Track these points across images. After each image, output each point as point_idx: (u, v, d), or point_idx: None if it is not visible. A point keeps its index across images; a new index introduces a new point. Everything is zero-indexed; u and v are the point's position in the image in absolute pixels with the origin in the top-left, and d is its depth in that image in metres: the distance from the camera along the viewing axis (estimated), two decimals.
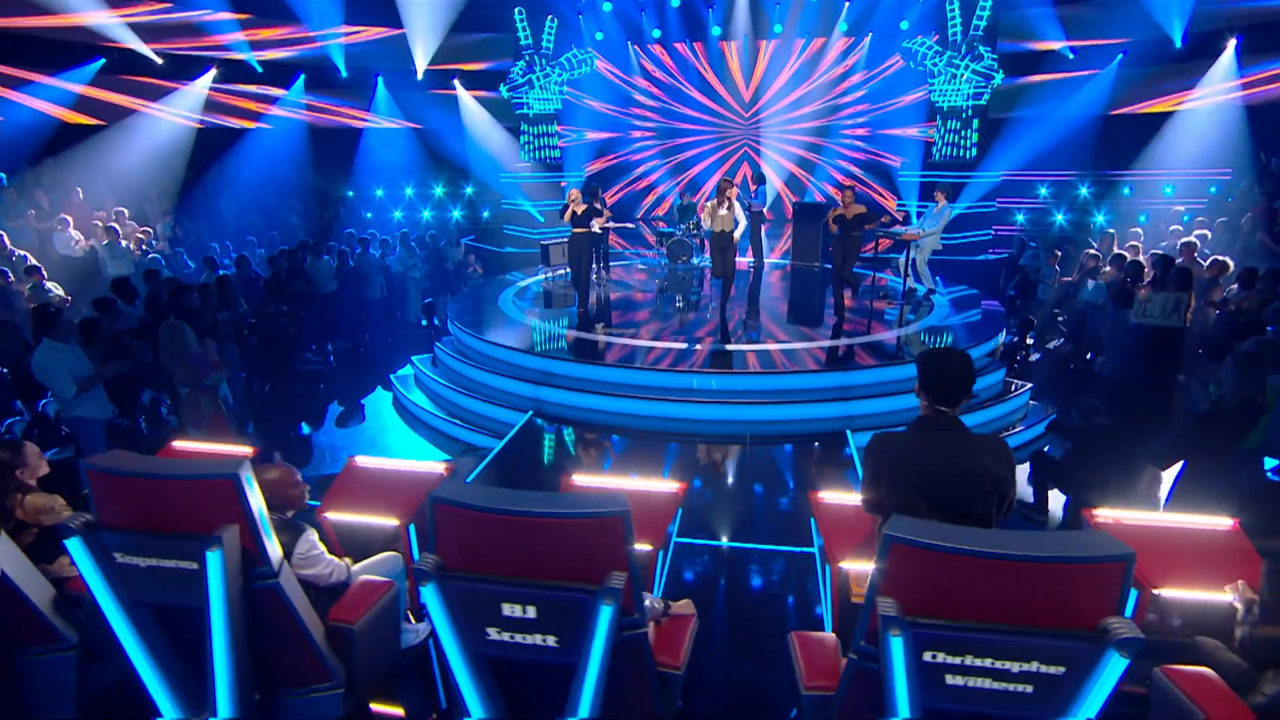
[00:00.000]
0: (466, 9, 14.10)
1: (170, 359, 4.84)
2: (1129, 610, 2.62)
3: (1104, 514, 2.87)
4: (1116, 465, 4.33)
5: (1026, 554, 1.50)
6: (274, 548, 2.13)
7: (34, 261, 8.07)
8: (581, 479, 3.06)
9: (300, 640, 2.19)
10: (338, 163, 14.73)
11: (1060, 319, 8.84)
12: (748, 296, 9.45)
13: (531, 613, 1.76)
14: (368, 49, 14.92)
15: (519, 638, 1.79)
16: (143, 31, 12.28)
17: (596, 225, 9.75)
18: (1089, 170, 13.41)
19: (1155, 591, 2.52)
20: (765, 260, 11.24)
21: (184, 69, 13.06)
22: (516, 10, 14.29)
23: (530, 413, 5.97)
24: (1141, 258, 7.98)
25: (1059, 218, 13.41)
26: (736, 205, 7.23)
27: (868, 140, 14.60)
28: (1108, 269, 8.01)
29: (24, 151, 11.06)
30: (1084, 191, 13.72)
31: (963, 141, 12.90)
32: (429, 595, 1.77)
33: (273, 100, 14.16)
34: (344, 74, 14.94)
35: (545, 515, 1.73)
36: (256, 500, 2.05)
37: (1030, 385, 6.42)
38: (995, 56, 12.44)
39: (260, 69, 13.92)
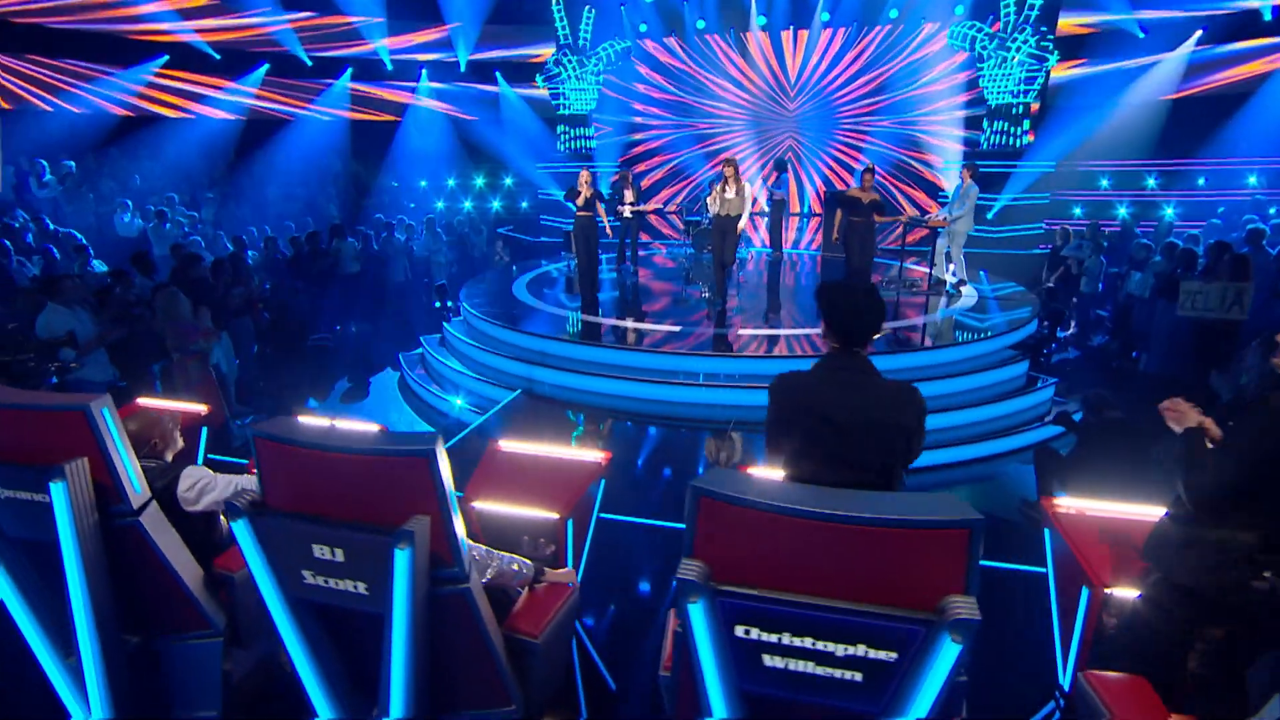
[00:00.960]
0: (506, 2, 14.27)
1: (162, 323, 5.02)
2: (1081, 613, 2.34)
3: (1065, 502, 2.55)
4: (1126, 462, 3.90)
5: (849, 514, 1.26)
6: (135, 485, 2.04)
7: (84, 241, 8.58)
8: (507, 445, 2.94)
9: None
10: (379, 153, 15.15)
11: (1105, 313, 8.19)
12: (768, 287, 9.17)
13: (340, 556, 1.64)
14: (412, 42, 15.29)
15: (331, 583, 1.68)
16: (202, 29, 12.96)
17: (627, 210, 9.67)
18: (1158, 158, 12.41)
19: (1108, 591, 2.20)
20: (784, 251, 10.93)
21: (239, 64, 13.69)
22: (554, 2, 14.32)
23: (518, 390, 5.93)
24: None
25: (1121, 210, 12.46)
26: (746, 187, 6.84)
27: (913, 130, 13.93)
28: (1157, 259, 7.34)
29: (90, 140, 11.83)
30: (1151, 182, 12.71)
31: (1013, 129, 12.13)
32: (240, 531, 1.68)
33: (319, 92, 14.67)
34: (389, 67, 15.37)
35: (352, 451, 1.63)
36: (114, 436, 1.95)
37: (1055, 380, 5.92)
38: (1052, 37, 11.63)
39: (310, 63, 14.46)
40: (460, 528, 1.72)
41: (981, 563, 1.28)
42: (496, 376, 6.33)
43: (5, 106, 11.51)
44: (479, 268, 11.46)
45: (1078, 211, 12.91)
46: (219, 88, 13.43)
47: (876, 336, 2.08)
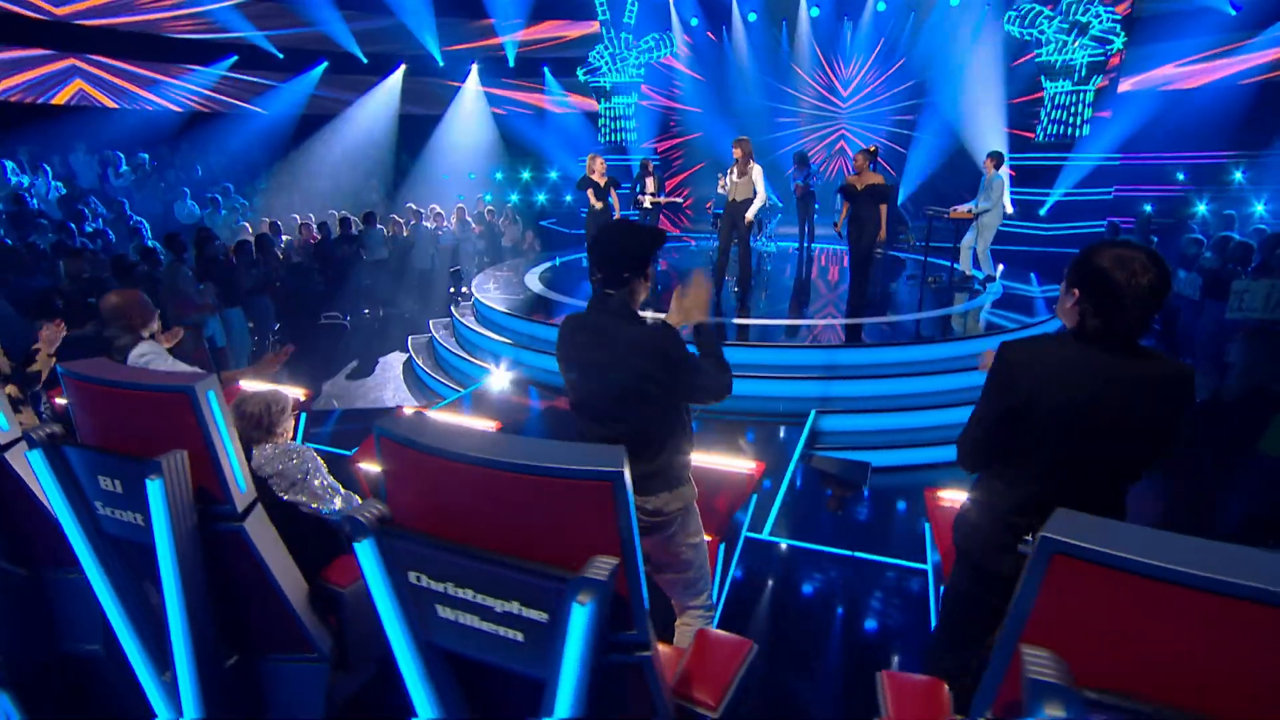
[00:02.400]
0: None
1: (166, 295, 5.37)
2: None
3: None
4: None
5: (489, 458, 1.18)
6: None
7: (143, 225, 9.30)
8: None
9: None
10: (426, 146, 15.67)
11: (1158, 322, 7.49)
12: (795, 278, 8.91)
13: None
14: (462, 38, 15.74)
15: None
16: (265, 29, 13.80)
17: (647, 201, 9.62)
18: (1246, 150, 11.24)
19: None
20: (811, 244, 10.58)
21: (299, 62, 14.49)
22: None
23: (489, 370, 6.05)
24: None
25: (1200, 208, 11.36)
26: (757, 170, 6.46)
27: (965, 121, 13.19)
28: (1208, 256, 6.65)
29: (164, 134, 12.82)
30: (1238, 176, 11.54)
31: (1072, 119, 11.27)
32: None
33: (372, 87, 15.33)
34: (441, 63, 15.88)
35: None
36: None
37: None
38: (1119, 17, 10.72)
39: (365, 60, 15.14)
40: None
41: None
42: (497, 360, 6.44)
43: (109, 104, 12.63)
44: (508, 257, 11.67)
45: (1148, 208, 11.86)
46: (280, 84, 14.27)
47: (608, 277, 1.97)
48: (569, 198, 16.76)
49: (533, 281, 8.45)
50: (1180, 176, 11.89)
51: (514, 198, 16.02)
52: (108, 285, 5.37)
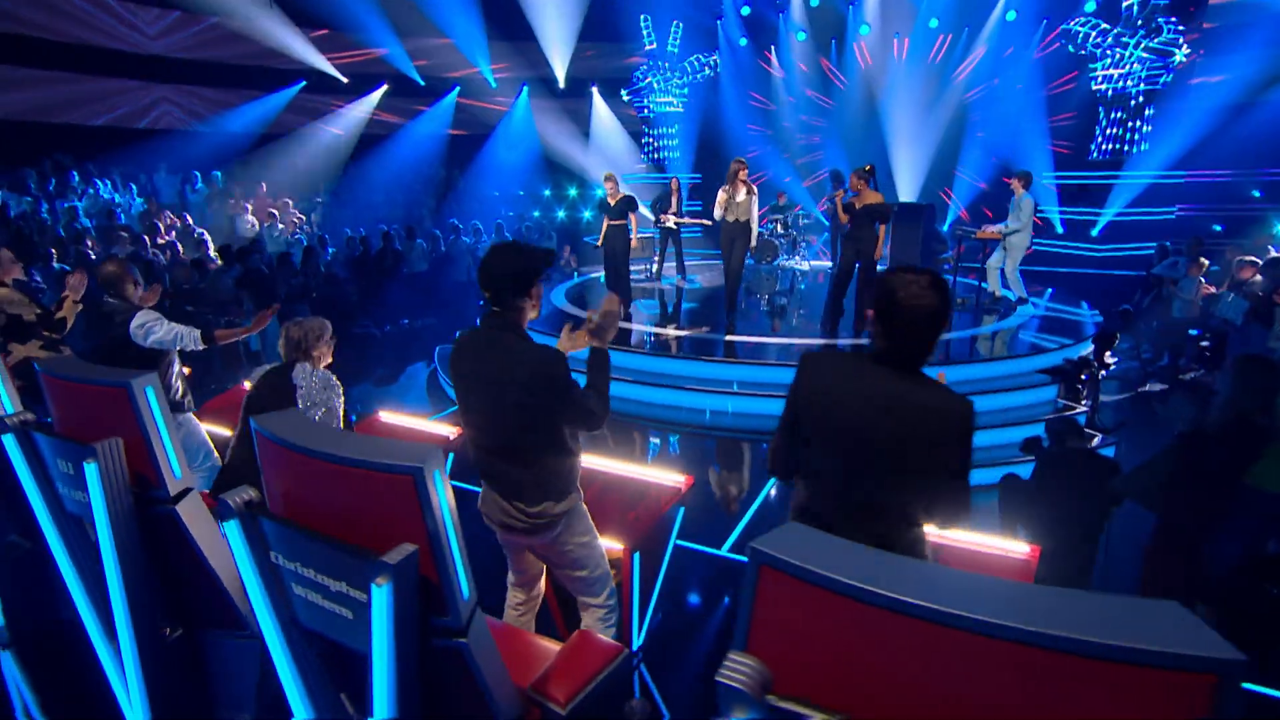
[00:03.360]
0: (596, 19, 14.89)
1: (207, 299, 5.82)
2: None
3: (586, 458, 2.38)
4: (1082, 494, 3.40)
5: (324, 451, 1.32)
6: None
7: (204, 235, 10.06)
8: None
9: None
10: (475, 164, 16.32)
11: (1205, 343, 7.04)
12: (828, 296, 8.77)
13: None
14: (514, 60, 16.36)
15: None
16: (331, 56, 14.76)
17: (671, 221, 9.74)
18: None
19: None
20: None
21: (362, 85, 15.39)
22: (642, 17, 14.72)
23: None
24: None
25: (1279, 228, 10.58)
26: (753, 190, 6.52)
27: (1013, 139, 12.74)
28: (1258, 277, 6.23)
29: (236, 153, 13.83)
30: None
31: (1129, 135, 10.73)
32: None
33: (427, 109, 16.10)
34: (494, 85, 16.54)
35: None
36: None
37: (1085, 407, 5.19)
38: (1181, 29, 10.18)
39: (422, 83, 15.94)
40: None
41: None
42: None
43: (193, 126, 13.77)
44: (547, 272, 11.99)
45: (1218, 228, 11.13)
46: (342, 106, 15.19)
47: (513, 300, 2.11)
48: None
49: (558, 297, 8.66)
50: (1256, 194, 11.11)
51: (561, 214, 16.44)
52: (202, 295, 5.89)
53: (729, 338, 6.59)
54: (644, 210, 9.64)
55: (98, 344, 3.77)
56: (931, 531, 2.37)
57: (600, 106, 16.66)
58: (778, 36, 15.92)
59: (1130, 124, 10.75)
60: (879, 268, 8.43)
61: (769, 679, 0.95)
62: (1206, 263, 7.13)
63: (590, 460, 2.85)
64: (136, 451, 1.84)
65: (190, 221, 10.30)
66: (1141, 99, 10.57)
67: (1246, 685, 2.27)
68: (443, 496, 1.34)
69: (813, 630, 0.96)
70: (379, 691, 1.28)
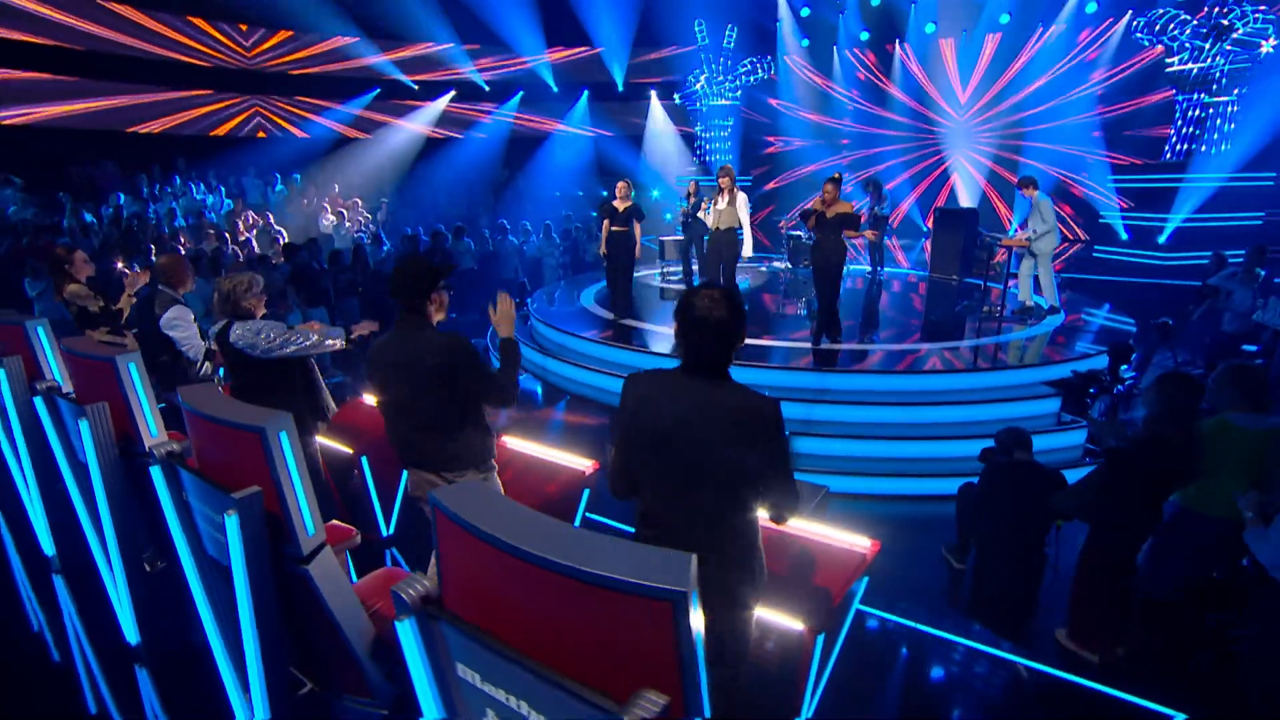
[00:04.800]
0: (653, 26, 15.20)
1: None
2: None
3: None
4: (1025, 504, 3.38)
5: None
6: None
7: (280, 233, 11.05)
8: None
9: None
10: (534, 165, 16.97)
11: (1260, 361, 6.56)
12: (864, 306, 8.67)
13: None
14: (574, 66, 16.90)
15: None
16: (404, 65, 15.76)
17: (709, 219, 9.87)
18: None
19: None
20: (883, 269, 10.21)
21: (431, 92, 16.33)
22: (696, 22, 14.86)
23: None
24: None
25: None
26: (741, 197, 6.41)
27: (1081, 139, 12.06)
28: None
29: (314, 157, 15.02)
30: None
31: (1208, 135, 9.97)
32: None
33: (490, 112, 16.89)
34: (555, 90, 17.14)
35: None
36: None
37: (1084, 422, 5.00)
38: (1272, 17, 9.37)
39: (487, 88, 16.73)
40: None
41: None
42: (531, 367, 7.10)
43: (261, 135, 15.10)
44: (588, 270, 12.38)
45: None
46: (411, 111, 16.18)
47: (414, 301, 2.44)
48: (669, 216, 17.34)
49: (587, 298, 9.01)
50: None
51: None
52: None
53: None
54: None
55: (141, 329, 4.40)
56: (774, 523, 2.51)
57: (656, 110, 16.96)
58: (837, 37, 15.70)
59: (1210, 122, 10.00)
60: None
61: (433, 595, 1.22)
62: (1263, 273, 6.63)
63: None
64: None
65: (270, 220, 11.34)
66: (1222, 94, 9.81)
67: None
68: (287, 451, 1.68)
69: (460, 561, 1.23)
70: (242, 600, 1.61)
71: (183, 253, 8.99)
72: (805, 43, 16.21)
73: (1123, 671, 2.87)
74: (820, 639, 1.99)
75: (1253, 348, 6.72)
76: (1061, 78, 12.52)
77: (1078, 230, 12.19)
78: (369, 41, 15.14)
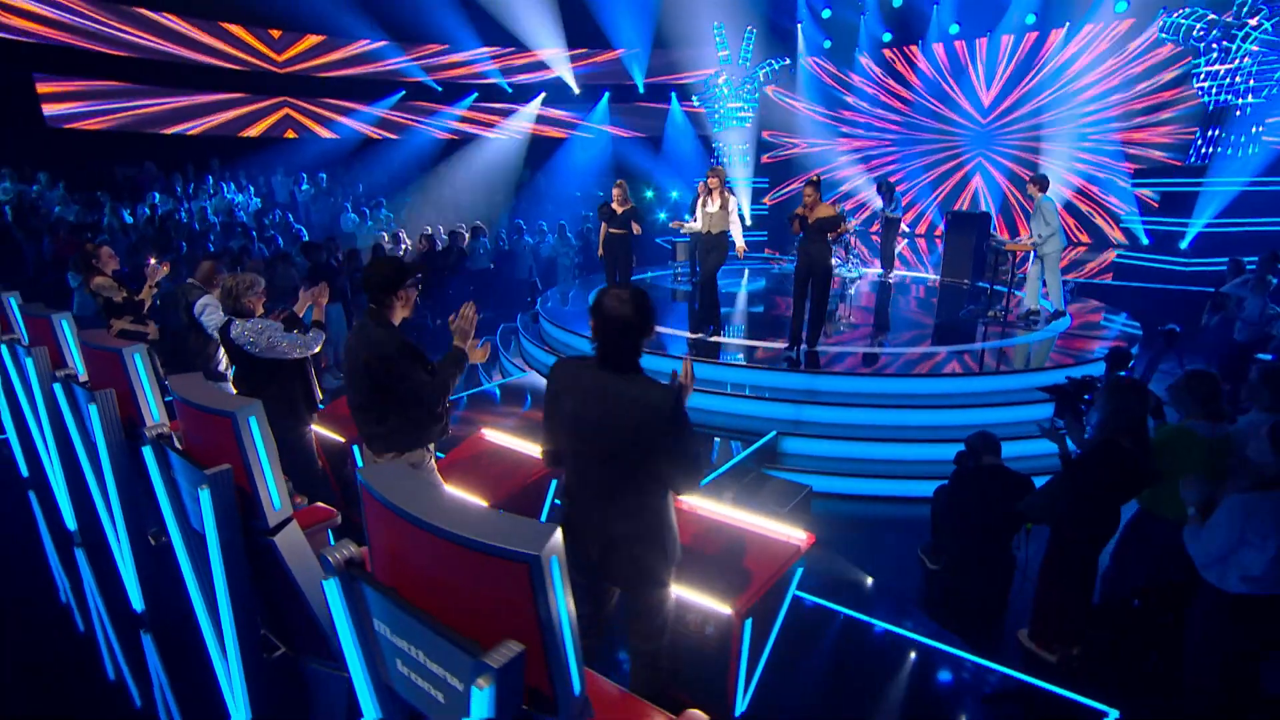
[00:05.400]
0: (673, 28, 15.31)
1: (278, 284, 6.82)
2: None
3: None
4: (991, 509, 3.44)
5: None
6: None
7: (302, 231, 11.43)
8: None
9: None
10: (553, 165, 17.23)
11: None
12: (876, 309, 8.69)
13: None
14: (595, 69, 17.11)
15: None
16: (429, 68, 16.14)
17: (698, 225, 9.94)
18: None
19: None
20: (894, 272, 10.17)
21: (453, 94, 16.68)
22: (715, 24, 14.92)
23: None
24: None
25: None
26: (731, 200, 6.34)
27: (1104, 143, 11.84)
28: None
29: (341, 158, 15.46)
30: None
31: (1234, 138, 9.73)
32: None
33: (512, 113, 17.18)
34: (576, 91, 17.37)
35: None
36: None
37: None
38: None
39: (510, 90, 17.03)
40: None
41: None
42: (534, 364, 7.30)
43: (292, 134, 15.59)
44: (600, 270, 12.56)
45: None
46: (436, 113, 16.56)
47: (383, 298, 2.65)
48: (687, 217, 17.46)
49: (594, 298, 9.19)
50: None
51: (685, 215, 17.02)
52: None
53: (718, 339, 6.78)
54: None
55: (167, 321, 4.69)
56: (708, 508, 2.65)
57: (676, 112, 17.08)
58: (858, 39, 15.63)
59: (1235, 125, 9.77)
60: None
61: (356, 559, 1.39)
62: (1275, 281, 6.50)
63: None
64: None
65: (291, 219, 11.75)
66: (1251, 97, 9.57)
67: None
68: (256, 435, 1.87)
69: (379, 531, 1.39)
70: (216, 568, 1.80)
71: (211, 249, 9.41)
72: (827, 44, 16.18)
73: (1075, 671, 2.93)
74: (749, 623, 2.09)
75: (1266, 356, 6.59)
76: (1085, 78, 12.31)
77: (1115, 232, 11.96)
78: (395, 45, 15.55)
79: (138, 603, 3.12)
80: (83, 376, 3.18)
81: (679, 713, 1.63)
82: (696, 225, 6.67)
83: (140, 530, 3.04)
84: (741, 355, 6.28)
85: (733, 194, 6.47)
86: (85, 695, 2.80)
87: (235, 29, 14.31)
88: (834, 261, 6.51)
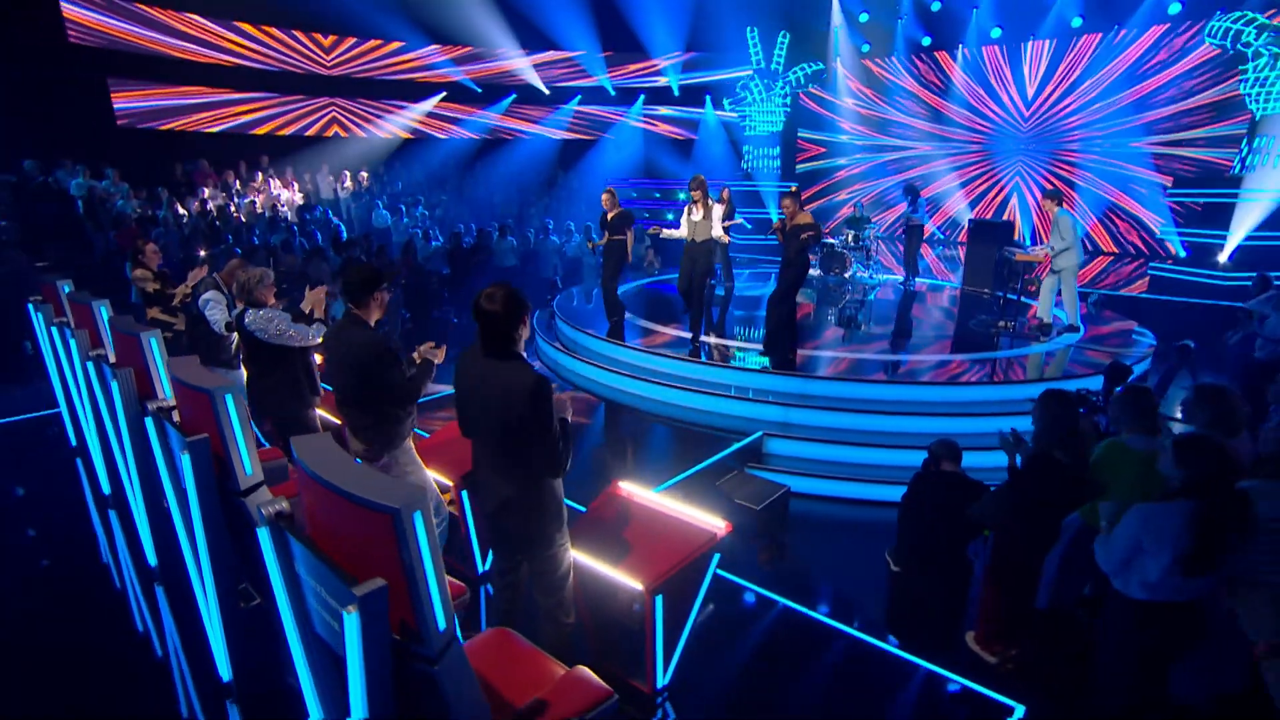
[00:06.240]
0: (706, 32, 15.44)
1: (313, 280, 7.27)
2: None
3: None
4: (946, 515, 3.53)
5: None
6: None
7: (340, 226, 12.00)
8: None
9: None
10: (586, 166, 17.56)
11: None
12: (896, 315, 8.69)
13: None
14: (628, 71, 17.37)
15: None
16: (469, 70, 16.67)
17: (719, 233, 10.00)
18: None
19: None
20: (916, 278, 10.10)
21: (494, 94, 17.17)
22: (749, 29, 14.97)
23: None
24: None
25: None
26: (716, 209, 6.42)
27: (1161, 153, 11.44)
28: None
29: (381, 156, 16.11)
30: None
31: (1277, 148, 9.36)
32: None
33: (550, 115, 17.59)
34: (612, 93, 17.66)
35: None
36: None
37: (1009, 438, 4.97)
38: None
39: (547, 92, 17.43)
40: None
41: None
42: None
43: (342, 134, 16.31)
44: (629, 272, 12.78)
45: None
46: (474, 113, 17.09)
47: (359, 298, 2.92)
48: (646, 214, 17.62)
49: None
50: None
51: (668, 215, 17.22)
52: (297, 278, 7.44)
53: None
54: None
55: (189, 316, 5.13)
56: (641, 493, 2.86)
57: (709, 116, 17.21)
58: (895, 43, 15.46)
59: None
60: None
61: (285, 512, 1.67)
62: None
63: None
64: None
65: (330, 215, 12.34)
66: None
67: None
68: (233, 412, 2.17)
69: (306, 492, 1.67)
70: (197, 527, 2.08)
71: (256, 243, 10.01)
72: (865, 48, 16.05)
73: (1009, 672, 3.02)
74: (659, 599, 2.28)
75: None
76: (1128, 85, 11.94)
77: (1148, 246, 11.59)
78: (437, 48, 16.12)
79: (152, 558, 3.50)
80: (112, 357, 3.57)
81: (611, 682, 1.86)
82: (680, 233, 6.78)
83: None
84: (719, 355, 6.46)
85: (718, 203, 6.62)
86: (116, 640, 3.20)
87: (299, 35, 15.07)
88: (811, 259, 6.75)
